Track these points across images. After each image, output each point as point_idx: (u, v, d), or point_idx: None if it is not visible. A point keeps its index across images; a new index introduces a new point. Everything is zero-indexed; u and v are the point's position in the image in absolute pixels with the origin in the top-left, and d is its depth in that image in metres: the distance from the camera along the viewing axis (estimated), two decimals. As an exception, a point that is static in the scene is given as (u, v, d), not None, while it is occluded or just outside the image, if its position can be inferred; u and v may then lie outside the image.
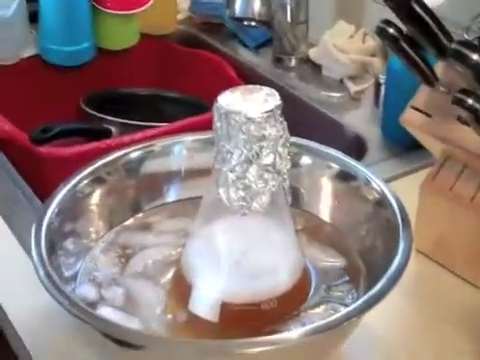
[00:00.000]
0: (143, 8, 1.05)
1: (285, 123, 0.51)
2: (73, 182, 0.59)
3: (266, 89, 0.52)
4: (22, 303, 0.62)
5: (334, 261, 0.59)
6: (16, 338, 0.60)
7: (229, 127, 0.50)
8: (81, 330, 0.55)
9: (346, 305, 0.54)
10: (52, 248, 0.54)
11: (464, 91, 0.50)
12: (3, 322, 0.63)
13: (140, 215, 0.63)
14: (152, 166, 0.63)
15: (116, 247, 0.60)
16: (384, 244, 0.55)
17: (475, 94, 0.50)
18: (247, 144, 0.50)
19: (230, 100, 0.50)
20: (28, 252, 0.57)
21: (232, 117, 0.49)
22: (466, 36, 0.52)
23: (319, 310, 0.54)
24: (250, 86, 0.52)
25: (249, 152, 0.50)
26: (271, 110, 0.50)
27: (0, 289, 0.64)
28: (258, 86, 0.52)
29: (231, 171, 0.51)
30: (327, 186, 0.62)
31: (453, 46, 0.48)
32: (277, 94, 0.51)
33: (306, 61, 1.04)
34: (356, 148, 0.87)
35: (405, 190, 0.64)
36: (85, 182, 0.60)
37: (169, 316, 0.54)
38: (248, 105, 0.50)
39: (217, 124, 0.51)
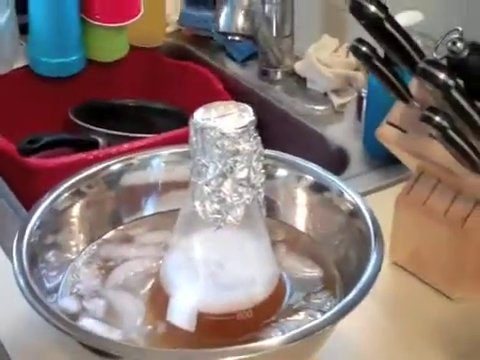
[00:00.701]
0: (132, 20, 1.07)
1: (259, 138, 0.53)
2: (53, 196, 0.60)
3: (241, 105, 0.53)
4: (6, 312, 0.62)
5: (311, 271, 0.60)
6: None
7: (204, 142, 0.51)
8: (63, 340, 0.56)
9: (324, 312, 0.55)
10: (34, 260, 0.56)
11: (432, 109, 0.52)
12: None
13: (121, 228, 0.64)
14: (131, 179, 0.65)
15: (98, 259, 0.61)
16: (357, 255, 0.57)
17: (443, 112, 0.51)
18: (222, 159, 0.51)
19: (205, 115, 0.52)
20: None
21: (207, 132, 0.51)
22: (435, 55, 0.53)
23: (299, 317, 0.56)
24: (225, 102, 0.54)
25: (224, 166, 0.51)
26: (245, 126, 0.51)
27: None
28: (233, 102, 0.54)
29: (206, 184, 0.52)
30: (302, 197, 0.63)
31: (421, 65, 0.50)
32: (251, 110, 0.52)
33: (291, 74, 1.05)
34: (338, 160, 0.89)
35: (383, 203, 0.66)
36: (65, 195, 0.61)
37: (149, 327, 0.55)
38: (223, 121, 0.51)
39: (193, 139, 0.52)
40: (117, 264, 0.61)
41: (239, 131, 0.51)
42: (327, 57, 1.00)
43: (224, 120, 0.51)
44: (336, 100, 0.98)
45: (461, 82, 0.52)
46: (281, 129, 0.98)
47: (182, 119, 1.04)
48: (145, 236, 0.64)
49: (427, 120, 0.51)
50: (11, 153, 0.88)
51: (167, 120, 1.07)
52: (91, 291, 0.58)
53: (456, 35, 0.52)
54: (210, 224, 0.53)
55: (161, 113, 1.10)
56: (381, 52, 0.59)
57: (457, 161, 0.57)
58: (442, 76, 0.50)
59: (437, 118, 0.51)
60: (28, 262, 0.54)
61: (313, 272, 0.60)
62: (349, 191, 0.60)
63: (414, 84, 0.62)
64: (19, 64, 1.07)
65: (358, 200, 0.59)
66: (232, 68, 1.11)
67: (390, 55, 0.58)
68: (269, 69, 1.06)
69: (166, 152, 0.66)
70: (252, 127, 0.52)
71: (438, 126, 0.51)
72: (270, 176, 0.61)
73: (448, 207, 0.62)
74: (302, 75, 1.03)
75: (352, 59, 0.99)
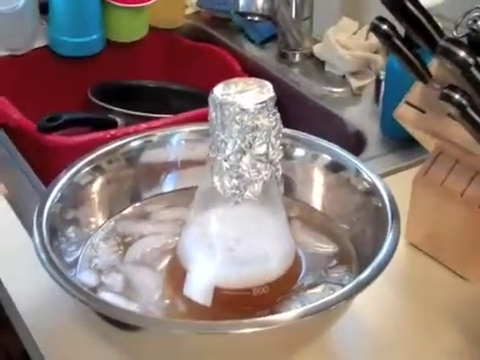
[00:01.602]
0: (152, 1, 1.07)
1: (278, 114, 0.53)
2: (74, 170, 0.61)
3: (261, 81, 0.53)
4: (26, 287, 0.63)
5: (327, 246, 0.61)
6: (19, 320, 0.61)
7: (223, 117, 0.51)
8: (82, 313, 0.57)
9: (343, 285, 0.55)
10: (54, 234, 0.56)
11: (451, 87, 0.51)
12: (7, 306, 0.64)
13: (138, 204, 0.65)
14: (150, 156, 0.65)
15: (115, 235, 0.62)
16: (374, 233, 0.57)
17: (462, 90, 0.51)
18: (241, 134, 0.51)
19: (225, 91, 0.52)
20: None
21: (226, 108, 0.51)
22: (455, 33, 0.53)
23: (318, 290, 0.56)
24: (245, 78, 0.54)
25: (242, 142, 0.52)
26: (264, 101, 0.51)
27: (5, 274, 0.65)
28: (253, 78, 0.54)
29: (225, 160, 0.52)
30: (319, 176, 0.63)
31: (441, 43, 0.50)
32: (271, 86, 0.53)
33: (310, 57, 1.05)
34: (355, 143, 0.89)
35: (400, 185, 0.66)
36: (86, 170, 0.62)
37: (167, 301, 0.56)
38: (242, 96, 0.51)
39: (212, 114, 0.53)
40: (134, 240, 0.61)
41: (258, 107, 0.51)
42: (346, 39, 0.99)
43: (243, 96, 0.52)
44: (354, 83, 0.98)
45: (481, 61, 0.52)
46: (299, 111, 0.98)
47: (200, 100, 1.04)
48: (162, 213, 0.65)
49: (446, 98, 0.51)
50: (31, 131, 0.89)
51: (185, 101, 1.07)
52: (109, 266, 0.59)
53: (477, 13, 0.52)
54: (228, 199, 0.53)
55: (179, 94, 1.10)
56: (401, 32, 0.59)
57: (476, 141, 0.57)
58: (462, 54, 0.50)
59: (456, 96, 0.51)
60: (48, 235, 0.55)
61: (328, 248, 0.60)
62: (366, 170, 0.61)
63: (434, 64, 0.62)
64: (39, 44, 1.08)
65: (375, 179, 0.60)
66: (251, 50, 1.11)
67: (410, 34, 0.58)
68: (288, 51, 1.06)
69: (186, 129, 0.67)
70: (271, 103, 0.52)
71: (457, 104, 0.51)
72: (287, 155, 0.62)
73: (465, 188, 0.62)
74: (321, 58, 1.03)
75: (371, 41, 0.99)
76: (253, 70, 1.06)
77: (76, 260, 0.59)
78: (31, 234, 0.67)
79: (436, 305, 0.62)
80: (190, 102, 1.05)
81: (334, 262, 0.59)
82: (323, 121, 0.95)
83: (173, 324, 0.51)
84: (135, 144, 0.65)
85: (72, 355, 0.57)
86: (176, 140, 0.66)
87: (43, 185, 0.78)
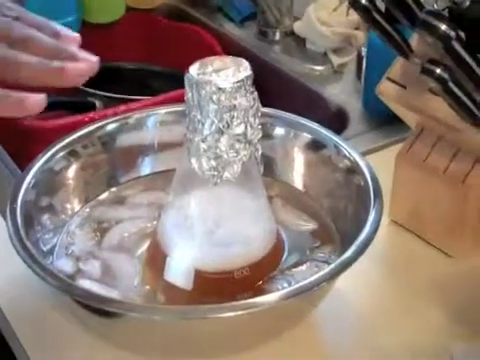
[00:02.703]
0: (129, -19, 1.05)
1: (256, 93, 0.52)
2: (48, 155, 0.60)
3: (238, 59, 0.52)
4: (3, 274, 0.62)
5: (309, 225, 0.60)
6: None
7: (200, 97, 0.50)
8: (61, 301, 0.56)
9: (329, 263, 0.55)
10: (29, 222, 0.55)
11: (432, 61, 0.50)
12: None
13: (113, 189, 0.64)
14: (127, 139, 0.64)
15: (91, 221, 0.61)
16: (356, 211, 0.56)
17: (443, 64, 0.50)
18: (218, 114, 0.50)
19: (201, 70, 0.51)
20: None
21: (203, 87, 0.50)
22: (436, 6, 0.52)
23: (303, 268, 0.56)
24: (222, 57, 0.53)
25: (220, 122, 0.50)
26: (242, 80, 0.50)
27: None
28: (230, 57, 0.53)
29: (203, 141, 0.51)
30: (299, 155, 0.62)
31: (421, 16, 0.49)
32: (248, 64, 0.51)
33: (290, 34, 1.04)
34: (338, 120, 0.88)
35: (383, 162, 0.65)
36: (61, 155, 0.60)
37: (147, 287, 0.55)
38: (219, 75, 0.50)
39: (188, 94, 0.51)
40: (111, 225, 0.60)
41: (235, 86, 0.50)
42: (326, 16, 0.98)
43: (220, 75, 0.50)
44: (335, 60, 0.97)
45: (462, 34, 0.51)
46: (280, 90, 0.97)
47: (179, 81, 1.02)
48: (138, 197, 0.64)
49: (427, 72, 0.50)
50: (6, 115, 0.87)
51: (164, 82, 1.05)
52: (86, 253, 0.58)
53: (458, -15, 0.51)
54: (207, 181, 0.52)
55: (158, 75, 1.09)
56: (381, 7, 0.58)
57: (457, 115, 0.56)
58: (443, 27, 0.49)
59: (438, 70, 0.50)
60: (23, 222, 0.54)
61: (310, 225, 0.60)
62: (348, 148, 0.60)
63: (415, 39, 0.61)
64: (14, 26, 1.06)
65: (357, 157, 0.59)
66: (230, 29, 1.10)
67: (390, 8, 0.57)
68: (268, 29, 1.05)
69: (162, 111, 0.66)
70: (249, 82, 0.51)
71: (439, 78, 0.50)
72: (267, 134, 0.61)
73: (448, 164, 0.61)
74: (301, 35, 1.02)
75: (352, 17, 0.98)
76: (233, 49, 1.04)
77: (53, 248, 0.58)
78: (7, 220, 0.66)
79: (420, 282, 0.62)
80: (170, 83, 1.03)
81: (318, 241, 0.58)
82: (305, 99, 0.94)
83: (153, 310, 0.50)
84: (111, 127, 0.64)
85: (50, 342, 0.56)
86: (152, 122, 0.65)
87: (20, 170, 0.77)
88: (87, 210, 0.62)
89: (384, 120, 0.82)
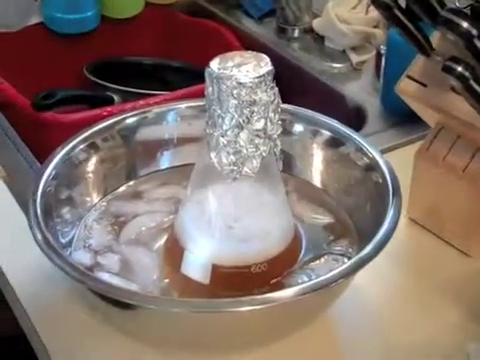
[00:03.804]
0: (148, -24, 1.06)
1: (276, 89, 0.52)
2: (69, 147, 0.60)
3: (258, 54, 0.52)
4: (21, 267, 0.62)
5: (325, 218, 0.60)
6: (15, 300, 0.61)
7: (220, 92, 0.50)
8: (78, 292, 0.57)
9: (349, 257, 0.55)
10: (49, 214, 0.55)
11: (454, 59, 0.50)
12: (3, 285, 0.64)
13: (131, 183, 0.64)
14: (146, 133, 0.64)
15: (109, 215, 0.61)
16: (374, 209, 0.56)
17: (465, 62, 0.50)
18: (238, 109, 0.50)
19: (222, 65, 0.51)
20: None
21: (223, 82, 0.50)
22: (457, 4, 0.52)
23: (321, 261, 0.56)
24: (242, 52, 0.53)
25: (240, 117, 0.50)
26: (262, 75, 0.50)
27: (1, 254, 0.64)
28: (250, 51, 0.53)
29: (222, 136, 0.51)
30: (318, 152, 0.62)
31: (443, 14, 0.49)
32: (269, 60, 0.51)
33: (309, 31, 1.04)
34: (356, 118, 0.87)
35: (402, 160, 0.65)
36: (81, 147, 0.61)
37: (166, 280, 0.55)
38: (240, 70, 0.50)
39: (209, 89, 0.51)
40: (128, 220, 0.61)
41: (256, 81, 0.50)
42: (346, 14, 0.98)
43: (241, 70, 0.50)
44: (354, 57, 0.96)
45: (485, 32, 0.51)
46: (298, 87, 0.97)
47: (197, 77, 1.02)
48: (155, 191, 0.64)
49: (448, 70, 0.50)
50: (26, 108, 0.87)
51: (182, 78, 1.05)
52: (104, 246, 0.58)
53: (481, -17, 0.51)
54: (226, 176, 0.52)
55: (176, 71, 1.09)
56: (402, 3, 0.58)
57: (478, 114, 0.56)
58: (465, 25, 0.48)
59: (459, 68, 0.50)
60: (43, 213, 0.54)
61: (326, 219, 0.60)
62: (367, 145, 0.59)
63: (436, 37, 0.60)
64: (34, 21, 1.06)
65: (376, 154, 0.58)
66: (249, 25, 1.10)
67: (411, 5, 0.57)
68: (287, 26, 1.05)
69: (182, 106, 0.66)
70: (269, 77, 0.51)
71: (460, 77, 0.50)
72: (286, 130, 0.61)
73: (467, 163, 0.61)
74: (320, 33, 1.02)
75: (371, 15, 0.97)
76: (251, 45, 1.04)
77: (71, 241, 0.58)
78: (26, 212, 0.67)
79: (437, 281, 0.62)
80: (187, 78, 1.03)
81: (335, 235, 0.58)
82: (323, 97, 0.94)
83: (170, 302, 0.50)
84: (131, 121, 0.64)
85: (68, 333, 0.57)
86: (172, 116, 0.65)
87: (39, 164, 0.77)
88: (104, 204, 0.62)
89: (402, 118, 0.82)
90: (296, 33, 1.05)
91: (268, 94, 0.51)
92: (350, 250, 0.57)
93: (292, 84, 0.97)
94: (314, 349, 0.55)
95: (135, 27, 1.11)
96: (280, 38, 1.05)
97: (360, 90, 0.92)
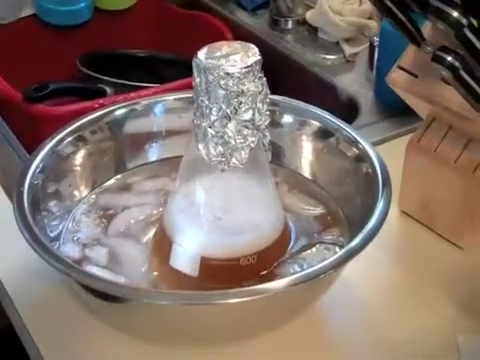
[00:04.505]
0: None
1: (264, 79, 0.51)
2: (56, 139, 0.60)
3: (246, 44, 0.52)
4: (9, 259, 0.62)
5: (315, 209, 0.60)
6: (3, 292, 0.60)
7: (208, 82, 0.50)
8: (66, 284, 0.56)
9: (340, 245, 0.55)
10: (36, 207, 0.55)
11: (444, 49, 0.50)
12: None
13: (119, 176, 0.64)
14: (135, 125, 0.63)
15: (97, 208, 0.60)
16: (364, 200, 0.56)
17: (455, 52, 0.49)
18: (226, 99, 0.50)
19: (209, 55, 0.50)
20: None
21: (211, 72, 0.49)
22: (448, -7, 0.51)
23: (313, 250, 0.56)
24: (230, 42, 0.52)
25: (228, 108, 0.50)
26: (250, 65, 0.50)
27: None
28: (238, 42, 0.52)
29: (210, 126, 0.51)
30: (308, 143, 0.62)
31: (433, 3, 0.48)
32: (257, 49, 0.51)
33: (302, 23, 1.03)
34: (349, 110, 0.87)
35: (395, 152, 0.65)
36: (68, 140, 0.60)
37: (154, 273, 0.55)
38: (227, 60, 0.50)
39: (197, 79, 0.51)
40: (117, 212, 0.60)
41: (244, 71, 0.49)
42: (339, 5, 0.97)
43: (229, 60, 0.50)
44: (348, 49, 0.96)
45: (474, 21, 0.50)
46: (292, 79, 0.96)
47: (190, 69, 1.02)
48: (144, 184, 0.63)
49: (439, 60, 0.50)
50: (17, 100, 0.87)
51: (175, 70, 1.05)
52: (92, 240, 0.58)
53: (471, -29, 0.50)
54: (214, 167, 0.52)
55: (169, 63, 1.08)
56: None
57: (469, 104, 0.55)
58: (455, 14, 0.48)
59: (449, 58, 0.49)
60: (30, 206, 0.53)
61: (316, 210, 0.60)
62: (356, 136, 0.59)
63: (427, 27, 0.60)
64: (27, 12, 1.06)
65: (365, 145, 0.58)
66: (242, 17, 1.09)
67: (402, -4, 0.56)
68: (280, 18, 1.04)
69: (171, 98, 0.65)
70: (257, 67, 0.50)
71: (450, 66, 0.49)
72: (276, 121, 0.60)
73: (459, 154, 0.61)
74: (313, 24, 1.01)
75: (365, 7, 0.97)
76: (245, 37, 1.01)
77: (59, 234, 0.58)
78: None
79: (429, 273, 0.61)
80: (181, 71, 1.02)
81: (325, 225, 0.58)
82: (316, 88, 0.93)
83: (157, 294, 0.49)
84: (119, 113, 0.63)
85: (56, 326, 0.56)
86: (161, 109, 0.64)
87: (29, 156, 0.76)
88: (93, 197, 0.61)
89: (395, 110, 0.81)
90: (289, 25, 1.04)
91: (256, 84, 0.50)
92: (341, 239, 0.56)
93: (285, 76, 0.96)
94: (303, 341, 0.55)
95: (128, 19, 1.11)
96: (273, 30, 1.05)
97: (353, 82, 0.92)
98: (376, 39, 0.89)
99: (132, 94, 0.86)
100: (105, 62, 1.06)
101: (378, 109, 0.86)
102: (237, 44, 0.52)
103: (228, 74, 0.49)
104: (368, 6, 0.97)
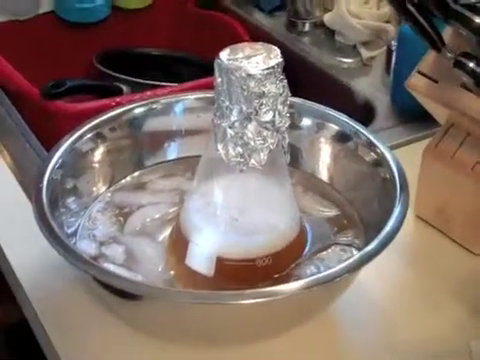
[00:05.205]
0: (159, -33, 1.05)
1: (285, 81, 0.51)
2: (76, 136, 0.60)
3: (268, 46, 0.52)
4: (27, 255, 0.62)
5: (330, 211, 0.60)
6: (19, 288, 0.61)
7: (229, 83, 0.50)
8: (83, 282, 0.57)
9: (356, 247, 0.55)
10: (54, 203, 0.55)
11: (466, 54, 0.50)
12: (7, 274, 0.64)
13: (136, 174, 0.64)
14: (154, 124, 0.64)
15: (113, 206, 0.61)
16: (381, 204, 0.56)
17: (477, 58, 0.49)
18: (246, 100, 0.50)
19: (231, 56, 0.50)
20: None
21: (232, 73, 0.50)
22: (471, -1, 0.51)
23: (329, 251, 0.56)
24: (252, 43, 0.52)
25: (248, 109, 0.50)
26: (272, 67, 0.50)
27: (6, 242, 0.64)
28: (260, 43, 0.52)
29: (230, 127, 0.51)
30: (326, 146, 0.62)
31: (455, 8, 0.48)
32: (279, 51, 0.51)
33: (320, 26, 1.03)
34: (365, 114, 0.87)
35: (411, 157, 0.65)
36: (88, 137, 0.60)
37: (171, 272, 0.55)
38: (249, 61, 0.50)
39: (218, 80, 0.51)
40: (132, 211, 0.60)
41: (265, 72, 0.49)
42: (357, 8, 0.97)
43: (250, 61, 0.50)
44: (365, 53, 0.96)
45: (497, 28, 0.50)
46: (308, 81, 0.96)
47: (207, 69, 1.02)
48: (159, 182, 0.64)
49: (460, 66, 0.50)
50: (34, 97, 0.87)
51: (192, 70, 1.05)
52: (108, 238, 0.58)
53: (494, -22, 0.50)
54: (232, 168, 0.52)
55: (186, 63, 1.09)
56: (415, -1, 0.57)
57: (489, 111, 0.55)
58: (477, 20, 0.48)
59: (471, 64, 0.49)
60: (48, 200, 0.54)
61: (331, 212, 0.60)
62: (375, 141, 0.59)
63: (448, 32, 0.60)
64: (44, 9, 1.07)
65: (384, 150, 0.58)
66: (259, 19, 1.09)
67: (424, 0, 0.56)
68: (297, 20, 1.04)
69: (191, 97, 0.65)
70: (279, 69, 0.50)
71: (471, 73, 0.49)
72: (294, 124, 0.60)
73: (476, 161, 0.61)
74: (331, 27, 1.01)
75: (383, 11, 0.97)
76: (262, 39, 1.01)
77: (75, 231, 0.58)
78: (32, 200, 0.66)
79: (442, 278, 0.61)
80: (197, 71, 1.03)
81: (341, 226, 0.58)
82: (332, 92, 0.93)
83: (173, 293, 0.50)
84: (138, 111, 0.64)
85: (71, 323, 0.57)
86: (180, 108, 0.65)
87: (47, 153, 0.77)
88: (108, 195, 0.62)
89: (412, 115, 0.81)
90: (307, 27, 1.04)
91: (277, 86, 0.50)
92: (357, 241, 0.56)
93: (302, 78, 0.96)
94: (317, 343, 0.55)
95: (145, 18, 1.11)
96: (290, 32, 1.04)
97: (370, 86, 0.91)
98: (394, 43, 0.89)
99: (148, 93, 0.87)
100: (121, 60, 1.06)
101: (394, 113, 0.86)
102: (259, 45, 0.52)
103: (250, 75, 0.49)
104: (386, 10, 0.97)
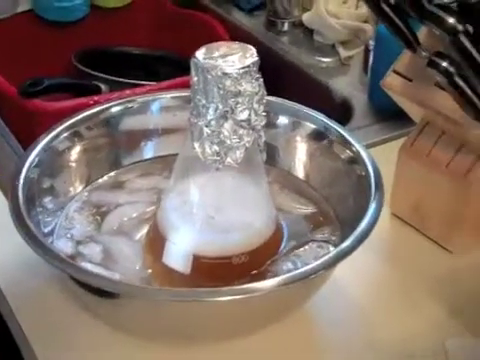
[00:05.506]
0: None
1: (261, 80, 0.51)
2: (52, 134, 0.60)
3: (244, 45, 0.52)
4: (2, 252, 0.62)
5: (307, 208, 0.60)
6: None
7: (205, 82, 0.50)
8: (58, 279, 0.57)
9: (332, 244, 0.56)
10: (31, 202, 0.55)
11: (439, 54, 0.50)
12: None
13: (112, 173, 0.64)
14: (131, 122, 0.64)
15: (90, 206, 0.61)
16: (356, 201, 0.56)
17: (450, 58, 0.50)
18: (223, 99, 0.50)
19: (207, 55, 0.51)
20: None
21: (208, 72, 0.50)
22: (445, -1, 0.52)
23: (306, 248, 0.56)
24: (228, 42, 0.53)
25: (224, 107, 0.50)
26: (247, 66, 0.50)
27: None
28: (236, 42, 0.52)
29: (206, 126, 0.51)
30: (302, 144, 0.62)
31: (429, 8, 0.49)
32: (254, 50, 0.51)
33: (299, 25, 1.04)
34: (343, 113, 0.88)
35: (387, 155, 0.65)
36: (64, 135, 0.60)
37: (148, 271, 0.55)
38: (225, 60, 0.50)
39: (194, 79, 0.51)
40: (109, 210, 0.60)
41: (241, 71, 0.50)
42: (336, 8, 0.98)
43: (226, 60, 0.50)
44: (343, 52, 0.96)
45: (470, 28, 0.51)
46: (287, 81, 0.97)
47: (186, 68, 1.02)
48: (136, 181, 0.64)
49: (433, 65, 0.50)
50: (12, 95, 0.87)
51: (171, 68, 1.05)
52: (86, 237, 0.58)
53: (467, -22, 0.51)
54: (209, 166, 0.52)
55: (165, 61, 1.09)
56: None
57: (462, 110, 0.56)
58: (451, 20, 0.48)
59: (444, 63, 0.50)
60: (25, 200, 0.54)
61: (308, 209, 0.60)
62: (350, 138, 0.60)
63: (423, 32, 0.60)
64: (23, 8, 1.06)
65: (359, 147, 0.59)
66: (239, 18, 1.10)
67: (399, 0, 0.57)
68: (276, 20, 1.05)
69: (168, 96, 0.65)
70: (255, 68, 0.51)
71: (444, 72, 0.50)
72: (270, 123, 0.60)
73: (451, 159, 0.61)
74: (310, 26, 1.02)
75: (361, 11, 0.98)
76: (241, 38, 1.01)
77: (52, 230, 0.58)
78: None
79: (419, 276, 0.62)
80: (176, 69, 1.03)
81: (317, 223, 0.58)
82: (311, 91, 0.94)
83: (150, 291, 0.50)
84: (115, 110, 0.63)
85: (47, 321, 0.57)
86: (157, 106, 0.65)
87: (23, 150, 0.77)
88: (85, 194, 0.62)
89: (389, 114, 0.82)
90: (286, 27, 1.05)
91: (253, 85, 0.51)
92: (333, 238, 0.57)
93: (280, 77, 0.97)
94: (293, 340, 0.55)
95: (124, 17, 1.11)
96: (270, 31, 1.05)
97: (348, 85, 0.92)
98: (371, 43, 0.89)
99: (127, 91, 0.87)
100: (100, 59, 1.06)
101: (371, 112, 0.86)
102: (235, 45, 0.52)
103: (225, 74, 0.49)
104: (364, 10, 0.98)
